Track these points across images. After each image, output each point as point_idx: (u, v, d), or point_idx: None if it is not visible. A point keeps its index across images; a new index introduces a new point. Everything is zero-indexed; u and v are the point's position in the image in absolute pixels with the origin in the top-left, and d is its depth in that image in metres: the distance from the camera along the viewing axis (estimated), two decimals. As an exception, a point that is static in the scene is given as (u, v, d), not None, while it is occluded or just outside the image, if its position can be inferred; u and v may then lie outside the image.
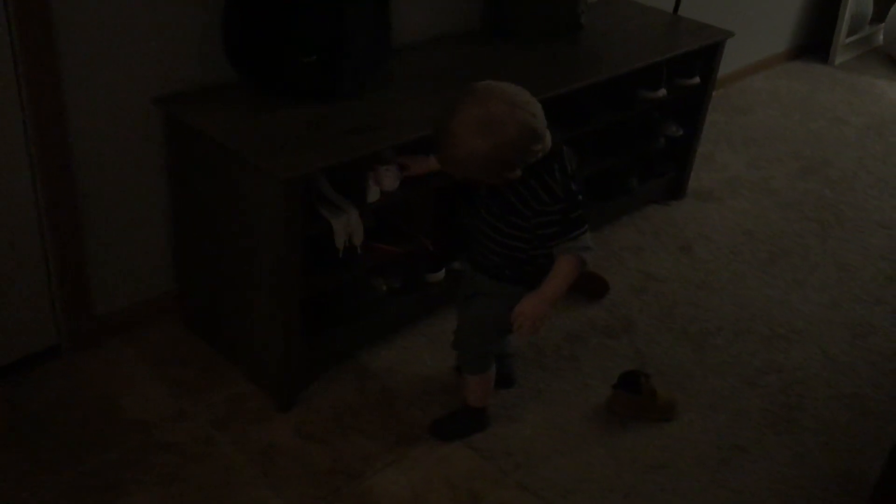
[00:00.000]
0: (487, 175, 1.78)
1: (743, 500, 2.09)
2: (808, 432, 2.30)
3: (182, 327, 2.40)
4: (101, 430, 2.08)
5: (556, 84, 2.47)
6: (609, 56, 2.80)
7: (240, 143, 1.99)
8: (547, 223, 1.82)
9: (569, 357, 2.48)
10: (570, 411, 2.29)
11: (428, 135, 2.12)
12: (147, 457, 2.03)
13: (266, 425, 2.15)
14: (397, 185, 2.14)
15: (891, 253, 3.14)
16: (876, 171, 3.70)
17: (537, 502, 2.02)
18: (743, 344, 2.61)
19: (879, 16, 5.01)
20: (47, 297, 2.17)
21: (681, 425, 2.28)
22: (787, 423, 2.32)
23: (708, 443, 2.24)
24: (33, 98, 1.91)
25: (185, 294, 2.39)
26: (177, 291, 2.40)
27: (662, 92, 2.91)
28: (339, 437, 2.14)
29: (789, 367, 2.53)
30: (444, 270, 2.49)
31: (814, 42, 4.90)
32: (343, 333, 2.31)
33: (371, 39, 2.23)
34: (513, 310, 1.88)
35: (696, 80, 3.04)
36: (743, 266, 2.99)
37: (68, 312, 2.21)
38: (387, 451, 2.11)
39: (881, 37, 5.09)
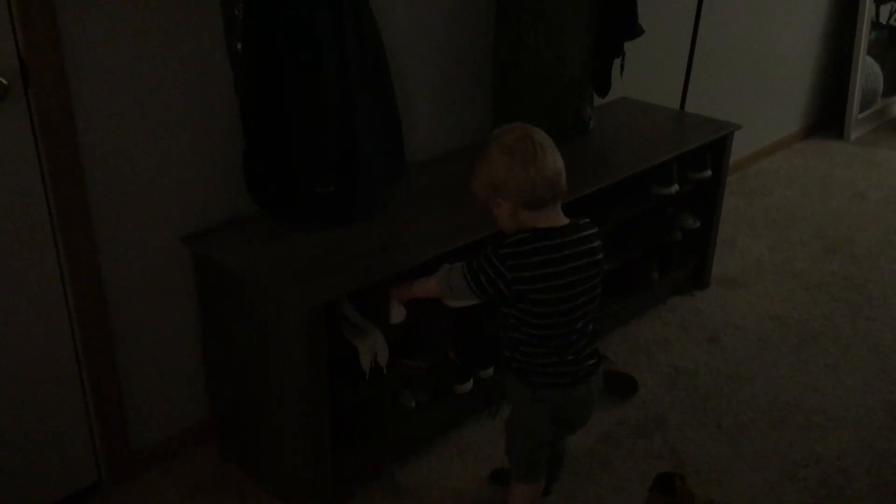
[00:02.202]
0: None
1: None
2: (852, 525, 2.26)
3: (216, 455, 2.44)
4: (141, 566, 2.10)
5: (569, 189, 2.53)
6: (619, 157, 2.87)
7: (262, 275, 2.07)
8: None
9: (602, 460, 2.46)
10: (606, 517, 2.27)
11: (445, 253, 2.19)
12: (186, 591, 2.04)
13: (303, 551, 2.16)
14: (404, 314, 2.16)
15: (923, 329, 3.11)
16: (901, 246, 3.70)
17: None
18: (779, 435, 2.58)
19: (891, 89, 5.07)
20: (87, 434, 2.23)
21: (721, 525, 2.25)
22: (830, 517, 2.28)
23: (750, 542, 2.20)
24: (68, 242, 2.02)
25: (218, 422, 2.43)
26: (210, 420, 2.45)
27: (675, 188, 2.96)
28: (376, 558, 2.14)
29: (828, 457, 2.49)
30: (471, 381, 2.51)
31: (827, 119, 4.96)
32: (373, 450, 2.33)
33: (385, 164, 2.33)
34: (521, 409, 1.98)
35: (708, 173, 3.10)
36: (773, 353, 2.97)
37: (107, 448, 2.26)
38: (424, 570, 2.10)
39: (895, 109, 5.14)
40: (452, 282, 1.95)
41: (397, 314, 2.15)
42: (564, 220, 1.92)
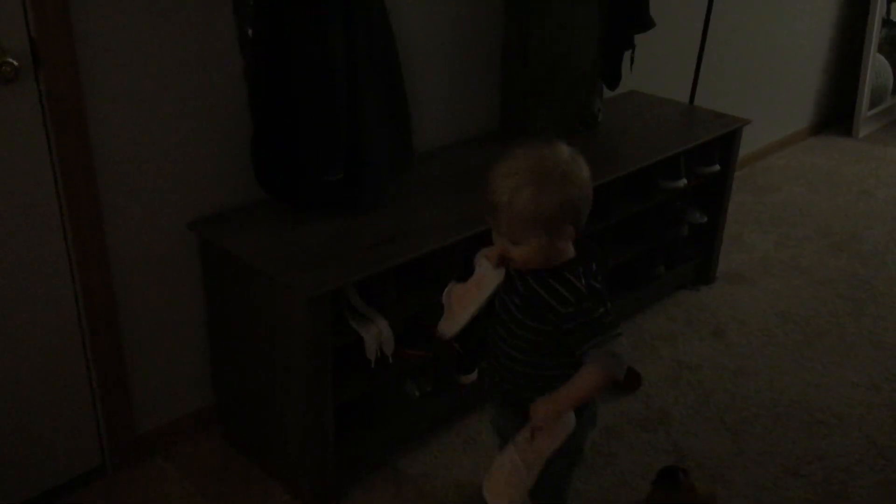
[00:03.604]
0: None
1: None
2: (855, 522, 2.26)
3: (220, 440, 2.44)
4: (144, 550, 2.11)
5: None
6: (627, 150, 2.86)
7: (267, 262, 2.07)
8: (571, 329, 1.62)
9: (606, 453, 2.46)
10: (608, 510, 2.27)
11: (451, 244, 2.19)
12: (188, 576, 2.05)
13: (305, 538, 2.16)
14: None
15: (929, 328, 3.10)
16: (908, 244, 3.69)
17: None
18: (783, 431, 2.57)
19: (901, 87, 5.05)
20: (92, 418, 2.24)
21: (723, 520, 2.25)
22: (832, 514, 2.28)
23: (752, 538, 2.20)
24: (75, 225, 2.02)
25: (223, 408, 2.43)
26: (214, 406, 2.45)
27: (683, 182, 2.95)
28: (378, 547, 2.14)
29: (832, 454, 2.48)
30: (476, 371, 2.51)
31: (836, 116, 4.94)
32: (377, 439, 2.34)
33: (393, 152, 2.32)
34: (579, 434, 1.72)
35: (716, 167, 3.09)
36: (778, 349, 2.97)
37: (112, 433, 2.27)
38: (425, 559, 2.11)
39: (904, 107, 5.12)
40: (612, 359, 1.60)
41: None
42: None
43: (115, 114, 2.01)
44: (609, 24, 2.87)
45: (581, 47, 2.80)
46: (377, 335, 2.13)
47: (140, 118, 2.06)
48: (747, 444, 2.51)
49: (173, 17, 2.03)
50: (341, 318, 2.11)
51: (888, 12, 4.78)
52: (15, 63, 1.80)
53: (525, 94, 2.83)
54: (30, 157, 1.91)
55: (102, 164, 2.02)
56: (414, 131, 2.45)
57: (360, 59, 2.13)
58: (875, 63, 4.72)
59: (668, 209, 3.05)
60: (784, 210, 3.99)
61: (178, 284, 2.28)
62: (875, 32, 4.63)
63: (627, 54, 2.96)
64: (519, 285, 1.68)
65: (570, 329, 1.62)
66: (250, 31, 2.09)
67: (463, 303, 1.75)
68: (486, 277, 1.70)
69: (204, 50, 2.11)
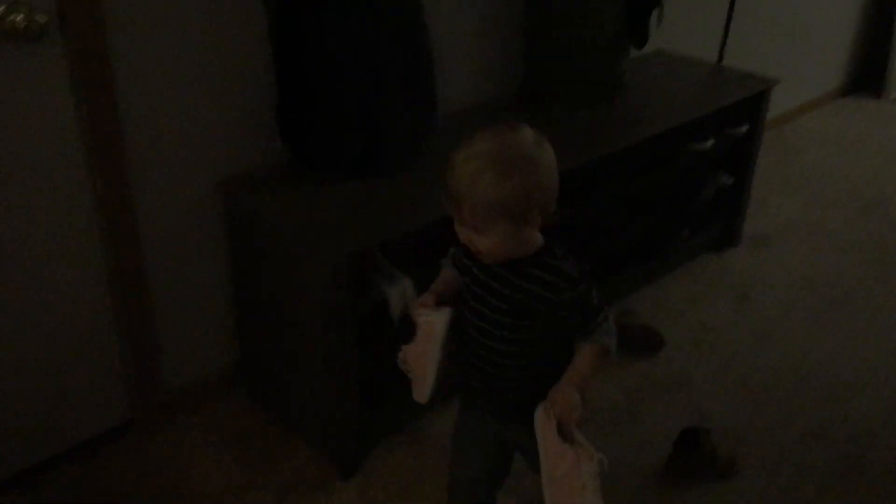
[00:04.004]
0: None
1: (811, 558, 2.06)
2: (876, 484, 2.25)
3: (246, 399, 2.48)
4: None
5: (601, 146, 2.52)
6: (653, 113, 2.83)
7: (293, 222, 2.08)
8: (566, 316, 1.53)
9: (625, 414, 2.47)
10: (628, 469, 2.28)
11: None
12: (216, 529, 2.09)
13: (330, 493, 2.20)
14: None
15: (957, 293, 3.07)
16: (937, 208, 3.64)
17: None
18: (805, 395, 2.57)
19: (933, 47, 4.94)
20: (121, 375, 2.27)
21: (743, 482, 2.26)
22: (854, 476, 2.28)
23: (772, 499, 2.21)
24: (103, 185, 2.03)
25: (249, 366, 2.47)
26: (240, 365, 2.48)
27: (710, 143, 2.92)
28: (403, 503, 2.17)
29: (854, 418, 2.48)
30: (498, 332, 2.51)
31: (866, 78, 4.85)
32: (401, 400, 2.35)
33: (417, 115, 2.31)
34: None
35: (744, 128, 3.05)
36: (802, 313, 2.95)
37: (140, 389, 2.31)
38: (448, 516, 2.14)
39: (937, 68, 5.02)
40: (609, 338, 1.55)
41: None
42: None
43: (141, 72, 2.01)
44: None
45: (606, 5, 2.76)
46: (402, 293, 2.14)
47: (166, 77, 2.06)
48: (769, 407, 2.51)
49: (198, -24, 2.03)
50: (366, 278, 2.13)
51: (923, -30, 4.66)
52: (42, 20, 1.80)
53: (549, 55, 2.79)
54: (56, 118, 1.92)
55: (129, 122, 2.03)
56: (438, 94, 2.44)
57: (380, 21, 2.11)
58: (908, 22, 4.62)
59: (694, 171, 3.03)
60: (811, 173, 3.94)
61: (204, 243, 2.29)
62: (909, -9, 4.52)
63: (655, 12, 2.91)
64: (499, 287, 1.56)
65: (564, 316, 1.52)
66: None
67: (422, 362, 1.67)
68: (433, 325, 1.62)
69: (231, 8, 2.10)
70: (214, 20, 2.09)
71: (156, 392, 2.34)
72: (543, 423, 1.51)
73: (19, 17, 1.76)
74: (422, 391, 1.69)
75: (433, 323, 1.62)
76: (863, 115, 4.59)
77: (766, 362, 2.70)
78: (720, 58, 3.41)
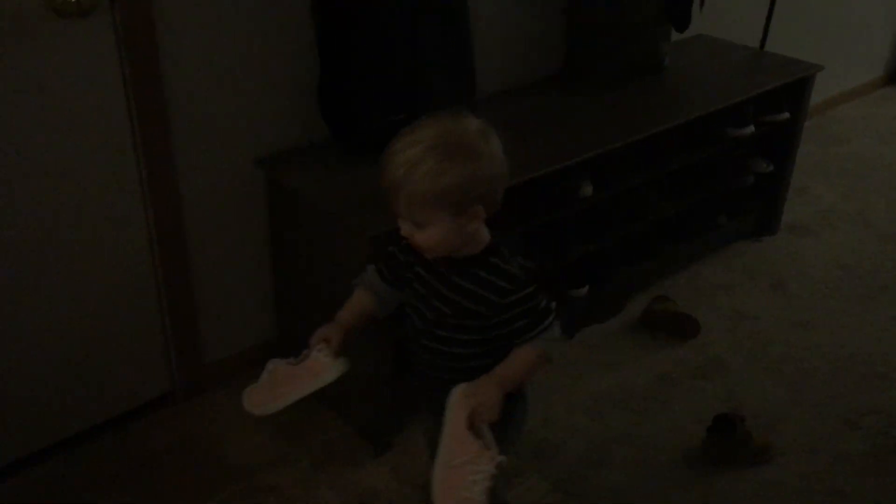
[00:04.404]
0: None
1: (844, 547, 2.05)
2: (912, 476, 2.24)
3: (282, 373, 2.51)
4: (208, 475, 2.19)
5: (639, 128, 2.50)
6: (693, 96, 2.81)
7: (331, 200, 2.10)
8: (510, 318, 1.44)
9: (660, 399, 2.47)
10: (661, 455, 2.28)
11: (508, 188, 2.18)
12: (250, 500, 2.12)
13: (363, 468, 2.22)
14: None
15: None
16: (982, 199, 3.57)
17: (630, 547, 2.03)
18: (841, 383, 2.55)
19: (982, 35, 4.83)
20: (162, 347, 2.32)
21: (777, 469, 2.25)
22: (889, 466, 2.26)
23: (806, 488, 2.20)
24: (148, 161, 2.07)
25: (285, 342, 2.50)
26: (278, 340, 2.52)
27: (750, 129, 2.89)
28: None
29: (890, 408, 2.46)
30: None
31: (912, 65, 4.76)
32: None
33: (456, 94, 2.32)
34: (522, 413, 1.57)
35: (786, 115, 3.01)
36: (839, 302, 2.92)
37: (180, 361, 2.35)
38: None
39: (985, 56, 4.90)
40: (551, 343, 1.47)
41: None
42: None
43: (186, 49, 2.04)
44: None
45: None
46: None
47: (210, 53, 2.08)
48: (804, 395, 2.50)
49: (243, -46, 2.05)
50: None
51: (974, -44, 4.55)
52: (92, -3, 1.83)
53: (589, 37, 2.78)
54: (105, 90, 1.96)
55: (174, 98, 2.06)
56: (476, 74, 2.44)
57: (422, 1, 2.12)
58: (957, 10, 4.52)
59: (734, 157, 3.00)
60: (852, 162, 3.89)
61: (244, 219, 2.33)
62: (959, -23, 4.42)
63: (697, -4, 2.89)
64: (441, 288, 1.48)
65: (508, 319, 1.44)
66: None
67: (292, 385, 1.57)
68: (325, 371, 1.53)
69: (273, -14, 2.12)
70: (258, -2, 2.11)
71: (195, 365, 2.39)
72: (457, 407, 1.42)
73: (71, -7, 1.79)
74: (266, 405, 1.59)
75: (323, 372, 1.53)
76: (907, 104, 4.51)
77: (801, 350, 2.68)
78: (762, 43, 3.36)
